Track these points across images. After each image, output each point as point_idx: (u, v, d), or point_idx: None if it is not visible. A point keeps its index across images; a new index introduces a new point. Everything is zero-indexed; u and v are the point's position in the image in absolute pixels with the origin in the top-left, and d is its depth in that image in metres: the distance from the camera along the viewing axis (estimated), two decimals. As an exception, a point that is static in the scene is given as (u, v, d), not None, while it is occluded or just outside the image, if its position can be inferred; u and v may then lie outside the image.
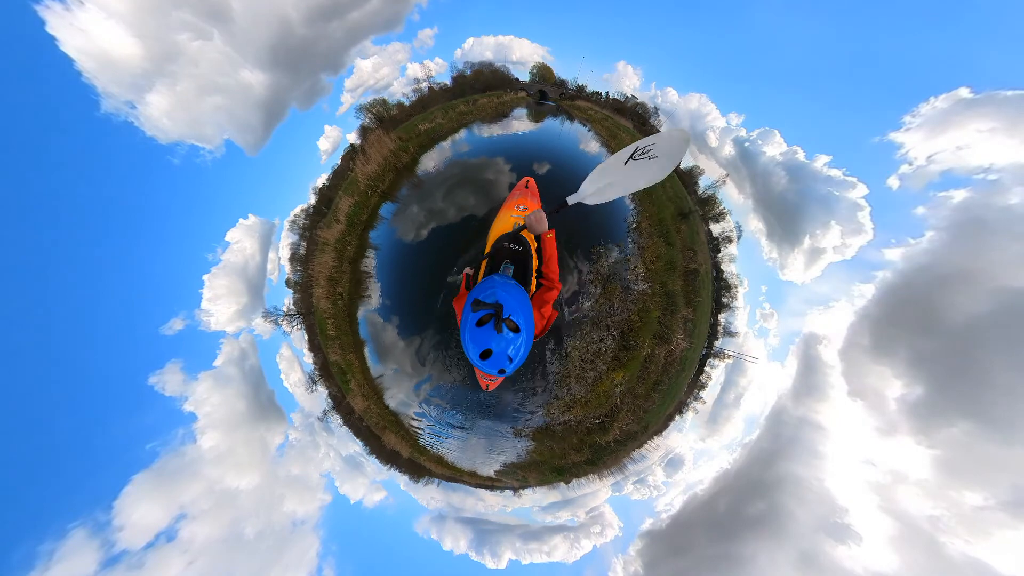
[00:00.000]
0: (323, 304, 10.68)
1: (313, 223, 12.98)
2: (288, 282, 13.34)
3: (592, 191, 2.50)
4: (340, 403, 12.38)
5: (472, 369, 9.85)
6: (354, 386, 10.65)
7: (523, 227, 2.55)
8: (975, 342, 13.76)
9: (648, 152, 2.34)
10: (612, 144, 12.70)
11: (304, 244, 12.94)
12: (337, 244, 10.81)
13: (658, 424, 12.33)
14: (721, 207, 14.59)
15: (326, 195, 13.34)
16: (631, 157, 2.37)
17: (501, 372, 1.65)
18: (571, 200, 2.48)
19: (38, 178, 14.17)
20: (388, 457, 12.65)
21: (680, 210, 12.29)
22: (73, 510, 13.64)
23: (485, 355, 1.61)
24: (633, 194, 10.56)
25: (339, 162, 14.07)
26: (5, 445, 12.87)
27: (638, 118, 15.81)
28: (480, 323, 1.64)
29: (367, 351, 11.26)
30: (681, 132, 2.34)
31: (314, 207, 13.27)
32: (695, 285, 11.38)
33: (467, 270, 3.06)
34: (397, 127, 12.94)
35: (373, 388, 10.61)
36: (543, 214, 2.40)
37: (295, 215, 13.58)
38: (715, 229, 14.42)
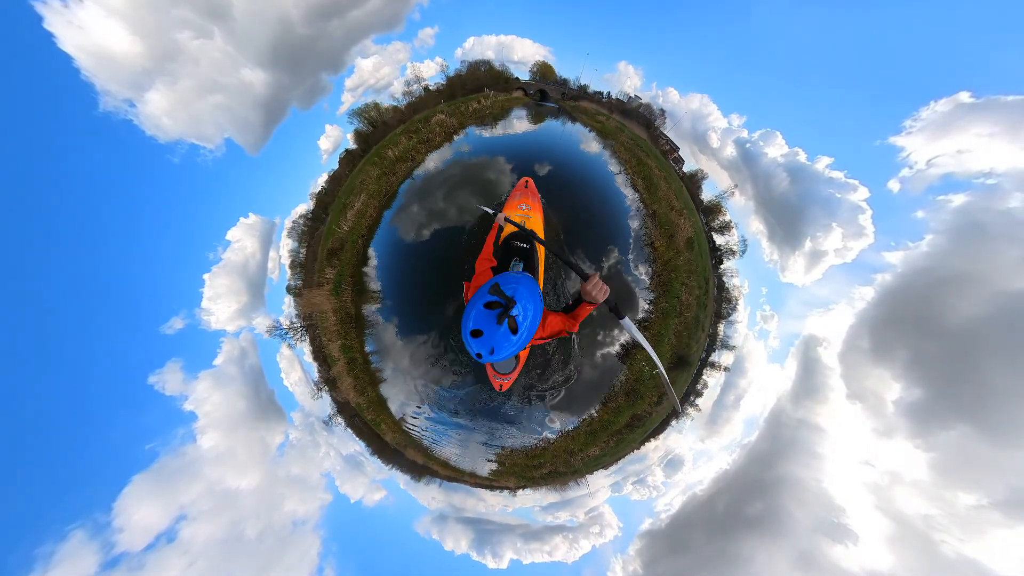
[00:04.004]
0: (354, 397, 11.64)
1: (312, 230, 12.92)
2: (289, 288, 13.31)
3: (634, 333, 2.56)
4: (343, 407, 12.43)
5: (483, 371, 10.00)
6: (384, 427, 11.72)
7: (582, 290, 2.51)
8: (974, 345, 13.86)
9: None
10: (638, 182, 11.86)
11: (303, 251, 12.91)
12: (350, 374, 11.38)
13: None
14: (727, 217, 14.42)
15: (324, 200, 13.25)
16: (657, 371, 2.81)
17: (478, 356, 1.68)
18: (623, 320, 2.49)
19: (36, 177, 14.03)
20: (390, 457, 12.72)
21: (678, 355, 11.53)
22: (72, 511, 13.58)
23: (476, 333, 1.64)
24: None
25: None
26: (3, 446, 12.81)
27: (642, 119, 15.69)
28: (488, 306, 1.66)
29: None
30: (674, 404, 2.72)
31: (312, 212, 13.22)
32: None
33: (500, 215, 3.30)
34: (324, 224, 11.58)
35: (398, 424, 11.51)
36: (605, 287, 2.37)
37: (294, 221, 13.57)
38: (719, 240, 14.26)
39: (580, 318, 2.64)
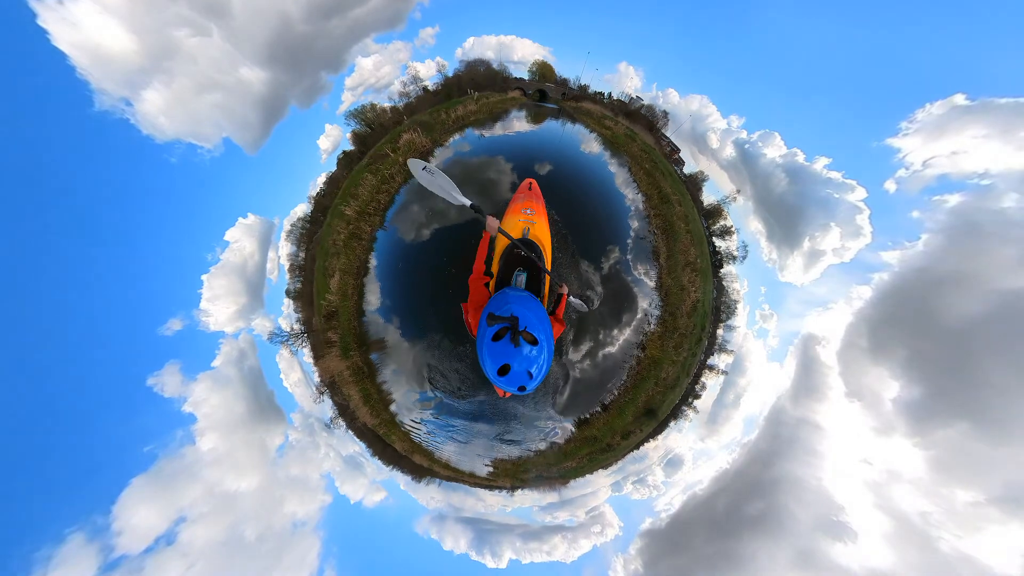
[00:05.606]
0: (370, 420, 12.10)
1: (310, 233, 12.87)
2: (288, 292, 13.28)
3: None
4: (345, 410, 12.45)
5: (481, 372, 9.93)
6: (395, 439, 12.15)
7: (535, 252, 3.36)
8: (970, 343, 14.00)
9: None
10: (660, 243, 11.41)
11: (302, 254, 12.85)
12: (366, 405, 11.78)
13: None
14: (728, 221, 14.39)
15: (322, 203, 13.19)
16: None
17: (521, 389, 1.56)
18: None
19: (31, 177, 13.89)
20: (391, 458, 12.72)
21: (648, 407, 11.62)
22: (71, 514, 13.47)
23: (503, 371, 1.52)
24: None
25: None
26: (1, 448, 12.70)
27: (644, 121, 15.70)
28: (496, 337, 1.54)
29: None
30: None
31: (311, 215, 13.18)
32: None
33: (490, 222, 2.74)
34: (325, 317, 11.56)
35: (407, 434, 11.89)
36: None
37: (292, 224, 13.52)
38: (719, 244, 14.21)
39: (561, 313, 3.06)
